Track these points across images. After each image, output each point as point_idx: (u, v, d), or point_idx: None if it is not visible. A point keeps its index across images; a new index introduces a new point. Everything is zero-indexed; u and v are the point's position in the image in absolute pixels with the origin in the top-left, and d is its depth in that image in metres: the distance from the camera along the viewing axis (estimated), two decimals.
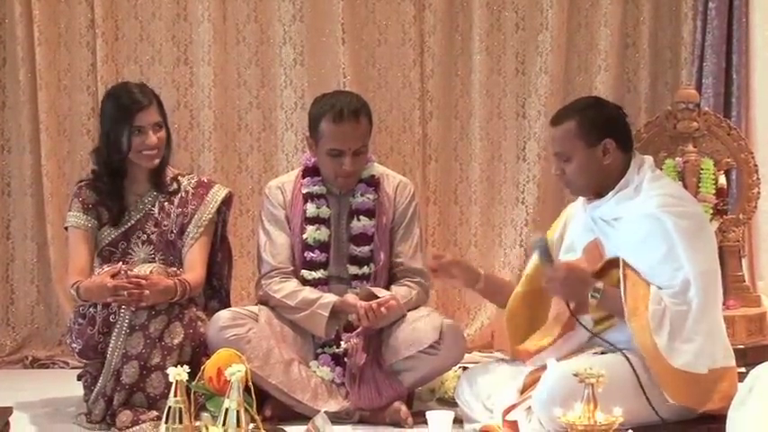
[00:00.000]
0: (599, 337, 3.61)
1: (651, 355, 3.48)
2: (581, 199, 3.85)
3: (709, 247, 3.67)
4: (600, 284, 3.57)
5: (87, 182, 4.41)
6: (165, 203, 4.38)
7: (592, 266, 3.65)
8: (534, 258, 3.87)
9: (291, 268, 4.36)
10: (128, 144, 4.26)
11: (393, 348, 4.21)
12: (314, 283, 4.32)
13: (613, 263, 3.60)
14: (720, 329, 3.66)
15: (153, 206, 4.38)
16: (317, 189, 4.38)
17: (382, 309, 4.13)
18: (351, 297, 4.23)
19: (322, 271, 4.34)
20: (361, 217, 4.36)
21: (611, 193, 3.70)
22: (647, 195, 3.66)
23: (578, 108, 3.81)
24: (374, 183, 4.40)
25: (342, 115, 4.25)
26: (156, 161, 4.34)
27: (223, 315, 4.21)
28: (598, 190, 3.74)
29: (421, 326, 4.22)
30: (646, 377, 3.50)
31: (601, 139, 3.69)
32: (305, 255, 4.34)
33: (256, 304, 4.42)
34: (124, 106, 4.27)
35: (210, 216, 4.39)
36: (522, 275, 5.39)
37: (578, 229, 3.79)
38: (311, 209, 4.36)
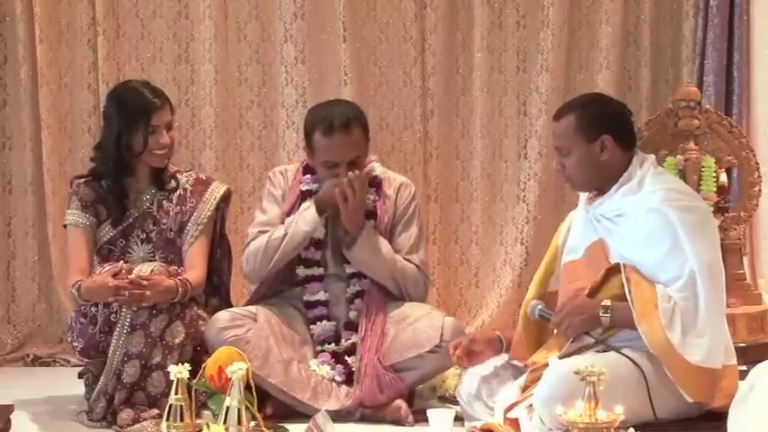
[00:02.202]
0: (605, 344, 3.60)
1: (666, 353, 3.46)
2: (582, 202, 3.84)
3: (713, 240, 3.66)
4: (607, 302, 3.55)
5: (85, 179, 4.41)
6: (164, 201, 4.38)
7: (595, 267, 3.64)
8: (543, 267, 3.88)
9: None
10: (143, 144, 4.25)
11: (395, 350, 4.21)
12: (309, 280, 4.34)
13: (614, 269, 3.59)
14: (725, 326, 3.66)
15: (151, 204, 4.37)
16: (315, 187, 4.38)
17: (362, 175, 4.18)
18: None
19: (316, 268, 4.35)
20: None
21: (614, 187, 3.69)
22: (650, 190, 3.65)
23: (580, 103, 3.82)
24: (375, 183, 4.39)
25: (332, 128, 4.22)
26: (167, 160, 4.34)
27: (222, 316, 4.20)
28: (598, 186, 3.73)
29: (422, 326, 4.22)
30: (651, 375, 3.49)
31: (599, 135, 3.69)
32: (300, 252, 4.34)
33: (249, 303, 4.43)
34: (141, 107, 4.26)
35: (210, 214, 4.39)
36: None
37: (580, 229, 3.77)
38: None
